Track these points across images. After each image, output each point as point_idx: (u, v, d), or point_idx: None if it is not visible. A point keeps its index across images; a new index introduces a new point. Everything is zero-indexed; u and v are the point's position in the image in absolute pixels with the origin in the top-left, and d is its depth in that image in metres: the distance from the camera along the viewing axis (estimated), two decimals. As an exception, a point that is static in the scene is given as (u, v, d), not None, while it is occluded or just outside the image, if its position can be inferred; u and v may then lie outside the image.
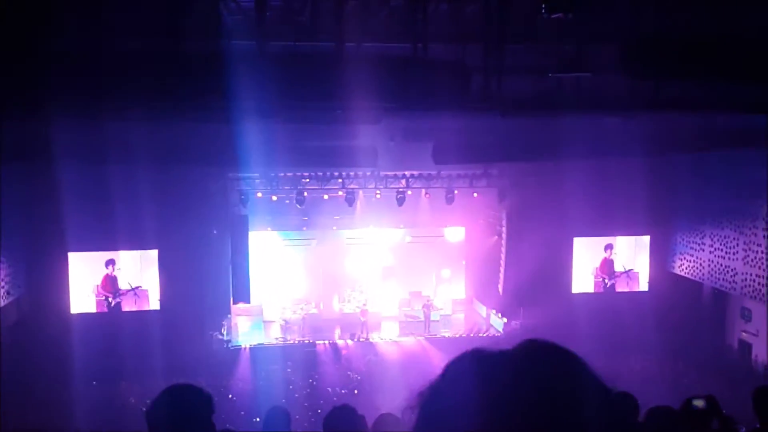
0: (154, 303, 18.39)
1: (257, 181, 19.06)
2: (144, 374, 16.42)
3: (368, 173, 19.13)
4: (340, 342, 19.93)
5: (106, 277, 18.15)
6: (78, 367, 15.91)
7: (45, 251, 17.17)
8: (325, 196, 19.57)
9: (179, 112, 9.64)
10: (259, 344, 19.72)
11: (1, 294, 15.45)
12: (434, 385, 1.23)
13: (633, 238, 20.27)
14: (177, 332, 17.23)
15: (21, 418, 13.85)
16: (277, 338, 20.31)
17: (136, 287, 18.31)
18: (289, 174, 18.96)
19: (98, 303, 18.09)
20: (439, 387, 1.22)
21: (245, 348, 19.28)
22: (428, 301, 21.58)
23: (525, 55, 9.76)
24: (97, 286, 18.11)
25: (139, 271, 18.42)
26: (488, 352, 1.24)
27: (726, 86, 9.23)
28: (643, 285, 20.29)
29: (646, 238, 20.22)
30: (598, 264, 20.23)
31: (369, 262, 22.41)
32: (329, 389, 16.21)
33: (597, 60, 8.95)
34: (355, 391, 15.92)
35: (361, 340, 20.11)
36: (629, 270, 20.30)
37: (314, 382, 16.75)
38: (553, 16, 8.41)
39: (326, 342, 19.78)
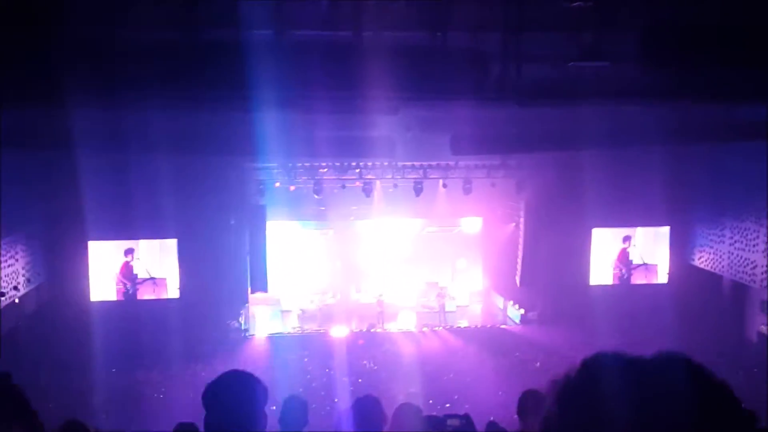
0: (172, 291, 18.52)
1: (275, 171, 19.10)
2: (162, 362, 16.60)
3: (386, 163, 19.11)
4: (356, 332, 19.99)
5: (125, 265, 18.31)
6: (97, 354, 16.05)
7: (65, 239, 17.32)
8: (343, 186, 19.55)
9: (197, 102, 9.66)
10: (277, 333, 19.83)
11: (21, 282, 15.60)
12: (573, 382, 1.25)
13: (653, 229, 20.13)
14: (195, 321, 17.36)
15: (40, 404, 13.98)
16: (294, 328, 20.41)
17: (154, 278, 18.46)
18: (306, 164, 18.98)
19: (118, 291, 18.27)
20: (579, 384, 1.24)
21: (262, 337, 19.40)
22: (442, 290, 21.60)
23: (544, 43, 9.69)
24: (117, 273, 18.30)
25: (159, 260, 18.55)
26: (627, 356, 1.25)
27: (747, 75, 9.12)
28: (662, 277, 20.16)
29: (666, 230, 20.08)
30: (616, 255, 20.12)
31: (386, 252, 22.44)
32: (345, 379, 16.26)
33: (616, 49, 8.87)
34: (358, 382, 15.94)
35: (377, 330, 20.15)
36: (647, 264, 20.17)
37: (331, 372, 16.81)
38: (573, 5, 8.33)
39: (343, 332, 19.85)
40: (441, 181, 19.89)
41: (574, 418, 1.19)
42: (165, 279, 18.49)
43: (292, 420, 5.69)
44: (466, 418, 6.36)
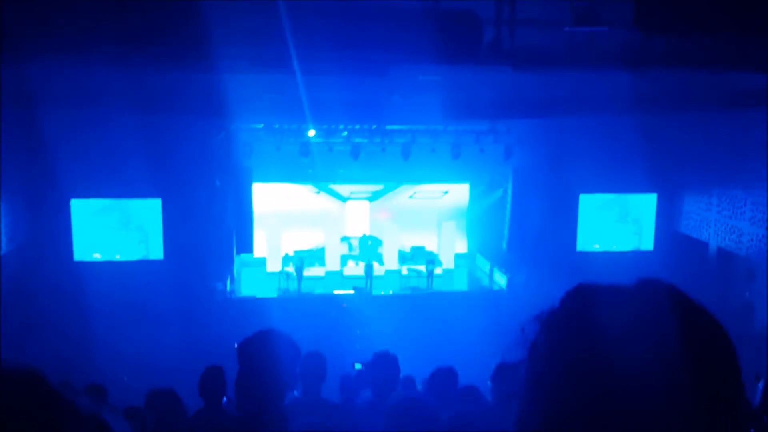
0: (156, 253, 18.39)
1: (261, 132, 18.89)
2: (147, 323, 16.48)
3: (373, 127, 18.95)
4: (343, 294, 19.95)
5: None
6: (80, 315, 15.95)
7: (47, 198, 17.10)
8: (330, 149, 19.37)
9: (176, 61, 9.42)
10: (262, 296, 19.77)
11: (3, 241, 15.40)
12: (559, 311, 1.26)
13: (639, 196, 20.18)
14: (180, 282, 17.23)
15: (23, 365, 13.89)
16: (279, 290, 20.35)
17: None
18: (293, 126, 18.78)
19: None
20: (565, 313, 1.25)
21: (248, 299, 19.35)
22: (431, 256, 21.59)
23: (538, 7, 9.50)
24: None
25: (143, 220, 18.44)
26: (606, 287, 1.27)
27: (743, 43, 9.01)
28: (648, 244, 20.27)
29: (653, 196, 20.12)
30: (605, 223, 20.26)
31: (373, 216, 22.35)
32: (332, 341, 16.26)
33: (611, 14, 8.72)
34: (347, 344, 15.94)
35: (365, 291, 20.11)
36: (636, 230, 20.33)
37: (317, 335, 16.79)
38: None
39: (329, 294, 19.82)
40: (429, 146, 19.76)
41: (561, 344, 1.21)
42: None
43: (312, 375, 5.71)
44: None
